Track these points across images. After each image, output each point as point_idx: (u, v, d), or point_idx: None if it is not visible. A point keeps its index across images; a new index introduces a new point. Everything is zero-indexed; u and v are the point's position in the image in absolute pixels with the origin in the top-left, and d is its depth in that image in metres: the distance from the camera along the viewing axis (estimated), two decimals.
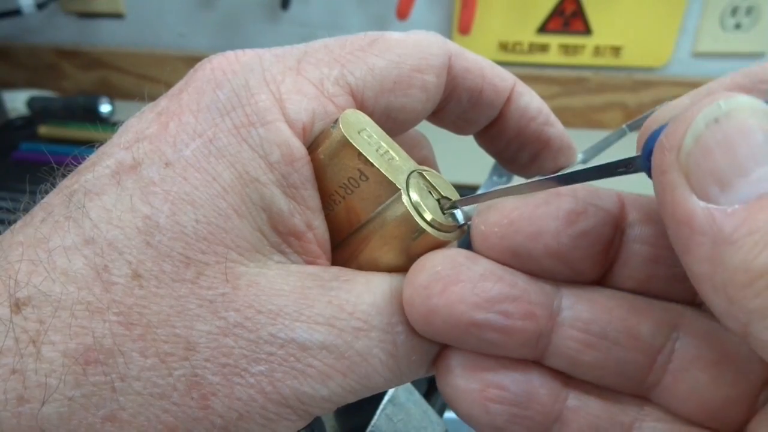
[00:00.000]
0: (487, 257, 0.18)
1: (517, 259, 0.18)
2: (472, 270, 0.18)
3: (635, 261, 0.18)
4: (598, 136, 0.28)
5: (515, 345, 0.18)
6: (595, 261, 0.18)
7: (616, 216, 0.18)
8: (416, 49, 0.20)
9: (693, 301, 0.18)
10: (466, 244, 0.19)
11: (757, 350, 0.13)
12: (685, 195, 0.14)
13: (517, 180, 0.22)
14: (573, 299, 0.18)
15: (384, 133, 0.19)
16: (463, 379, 0.18)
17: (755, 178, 0.13)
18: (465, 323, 0.17)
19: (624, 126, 0.28)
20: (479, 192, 0.19)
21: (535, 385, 0.18)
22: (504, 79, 0.23)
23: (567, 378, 0.19)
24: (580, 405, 0.18)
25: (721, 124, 0.14)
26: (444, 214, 0.19)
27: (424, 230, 0.18)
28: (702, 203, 0.13)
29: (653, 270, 0.18)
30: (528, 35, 0.96)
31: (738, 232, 0.13)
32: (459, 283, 0.17)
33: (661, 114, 0.17)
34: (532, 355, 0.18)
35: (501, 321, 0.17)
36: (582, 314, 0.18)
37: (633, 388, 0.18)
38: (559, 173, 0.18)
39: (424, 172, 0.20)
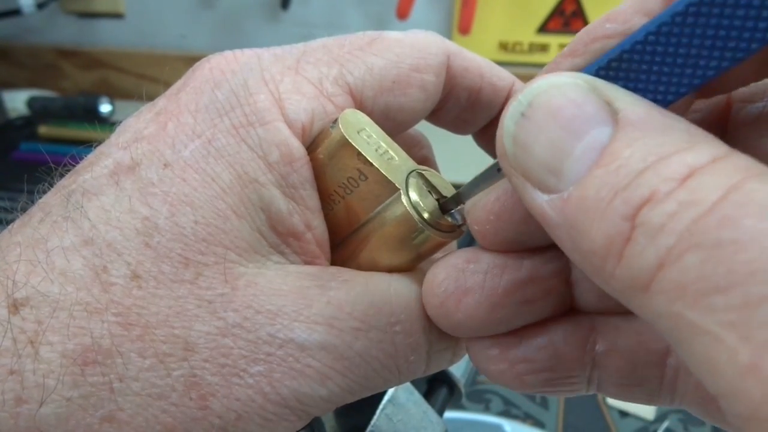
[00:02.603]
0: (492, 251, 0.18)
1: (520, 245, 0.18)
2: (476, 272, 0.18)
3: None
4: None
5: (543, 315, 0.18)
6: None
7: None
8: (415, 49, 0.20)
9: None
10: (467, 242, 0.19)
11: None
12: (530, 194, 0.14)
13: None
14: None
15: (383, 133, 0.19)
16: (493, 363, 0.18)
17: (579, 154, 0.13)
18: (491, 324, 0.18)
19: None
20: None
21: (559, 345, 0.18)
22: (503, 78, 0.23)
23: (593, 321, 0.18)
24: (609, 347, 0.18)
25: (528, 117, 0.13)
26: (443, 213, 0.19)
27: (423, 230, 0.18)
28: (545, 196, 0.13)
29: None
30: (528, 35, 0.96)
31: (576, 216, 0.12)
32: (469, 293, 0.17)
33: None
34: (563, 311, 0.18)
35: (522, 309, 0.18)
36: None
37: None
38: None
39: (423, 172, 0.20)
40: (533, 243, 0.18)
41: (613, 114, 0.13)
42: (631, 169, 0.12)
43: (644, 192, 0.11)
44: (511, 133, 0.14)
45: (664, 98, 0.14)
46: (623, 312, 0.18)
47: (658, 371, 0.18)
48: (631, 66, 0.14)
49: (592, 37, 0.15)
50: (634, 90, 0.14)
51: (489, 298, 0.17)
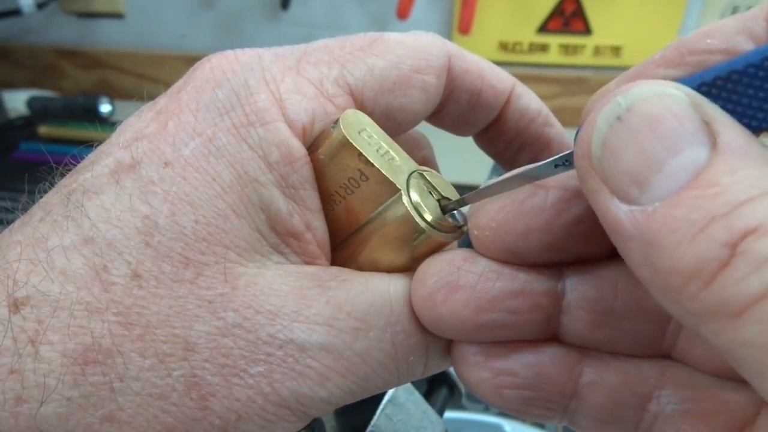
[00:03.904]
0: (487, 257, 0.18)
1: (515, 257, 0.18)
2: (470, 272, 0.18)
3: None
4: None
5: (525, 334, 0.18)
6: (599, 241, 0.18)
7: None
8: (416, 50, 0.20)
9: None
10: (467, 243, 0.19)
11: (716, 351, 0.12)
12: (607, 201, 0.13)
13: None
14: (577, 279, 0.18)
15: (384, 134, 0.19)
16: (475, 370, 0.18)
17: (671, 171, 0.12)
18: (472, 327, 0.17)
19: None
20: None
21: (546, 366, 0.18)
22: (503, 80, 0.23)
23: (582, 351, 0.18)
24: (596, 379, 0.18)
25: (624, 122, 0.13)
26: (444, 214, 0.19)
27: (424, 231, 0.18)
28: (624, 207, 0.13)
29: None
30: (528, 35, 0.96)
31: (661, 233, 0.12)
32: (459, 290, 0.17)
33: (591, 103, 0.16)
34: (545, 336, 0.18)
35: (508, 318, 0.17)
36: (588, 293, 0.18)
37: (650, 353, 0.18)
38: (516, 172, 0.17)
39: (424, 173, 0.20)
40: (527, 258, 0.18)
41: (711, 136, 0.12)
42: (733, 198, 0.11)
43: (750, 222, 0.11)
44: (602, 135, 0.13)
45: (759, 126, 0.14)
46: (610, 350, 0.18)
47: (636, 415, 0.18)
48: (736, 88, 0.14)
49: (690, 50, 0.15)
50: (732, 113, 0.14)
51: (477, 300, 0.17)
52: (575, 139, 0.15)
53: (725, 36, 0.14)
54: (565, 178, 0.17)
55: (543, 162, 0.16)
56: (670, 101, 0.13)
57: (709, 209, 0.12)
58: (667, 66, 0.15)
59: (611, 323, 0.18)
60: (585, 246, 0.18)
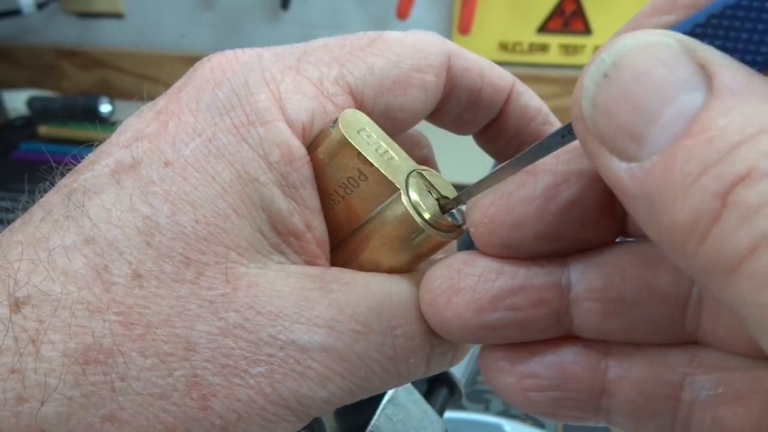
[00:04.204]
0: (488, 254, 0.18)
1: (513, 251, 0.18)
2: (470, 274, 0.18)
3: None
4: None
5: (536, 331, 0.18)
6: (600, 224, 0.17)
7: None
8: (415, 49, 0.20)
9: None
10: (467, 243, 0.19)
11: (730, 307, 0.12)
12: (607, 161, 0.13)
13: None
14: (581, 269, 0.17)
15: (383, 133, 0.19)
16: (501, 376, 0.18)
17: (666, 121, 0.12)
18: (475, 327, 0.17)
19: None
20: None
21: (569, 365, 0.18)
22: (503, 78, 0.23)
23: (605, 346, 0.18)
24: (622, 373, 0.17)
25: (611, 79, 0.12)
26: (443, 213, 0.19)
27: (423, 230, 0.18)
28: (624, 164, 0.12)
29: None
30: (528, 35, 0.96)
31: (660, 188, 0.11)
32: (460, 292, 0.17)
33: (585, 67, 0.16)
34: (560, 333, 0.18)
35: (511, 316, 0.17)
36: (594, 283, 0.17)
37: (675, 340, 0.17)
38: (514, 158, 0.17)
39: (423, 172, 0.20)
40: (528, 250, 0.17)
41: (708, 78, 0.12)
42: (726, 141, 0.11)
43: (740, 168, 0.10)
44: (591, 95, 0.13)
45: (765, 61, 0.13)
46: (630, 341, 0.17)
47: (671, 405, 0.17)
48: (733, 24, 0.13)
49: None
50: (732, 52, 0.13)
51: (478, 301, 0.17)
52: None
53: None
54: (554, 164, 0.17)
55: (549, 135, 0.16)
56: (658, 50, 0.12)
57: (703, 157, 0.11)
58: (659, 14, 0.14)
59: (624, 312, 0.17)
60: (583, 231, 0.17)
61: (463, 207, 0.20)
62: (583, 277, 0.17)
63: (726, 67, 0.12)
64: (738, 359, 0.16)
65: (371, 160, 0.18)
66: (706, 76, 0.12)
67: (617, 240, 0.18)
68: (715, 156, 0.11)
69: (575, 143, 0.15)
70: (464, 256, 0.18)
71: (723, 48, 0.13)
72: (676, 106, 0.12)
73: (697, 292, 0.16)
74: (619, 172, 0.12)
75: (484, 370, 0.19)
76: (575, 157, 0.17)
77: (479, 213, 0.18)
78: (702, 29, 0.13)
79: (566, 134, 0.15)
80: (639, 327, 0.17)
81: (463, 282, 0.17)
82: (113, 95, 0.95)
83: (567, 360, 0.18)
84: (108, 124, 0.88)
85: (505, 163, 0.17)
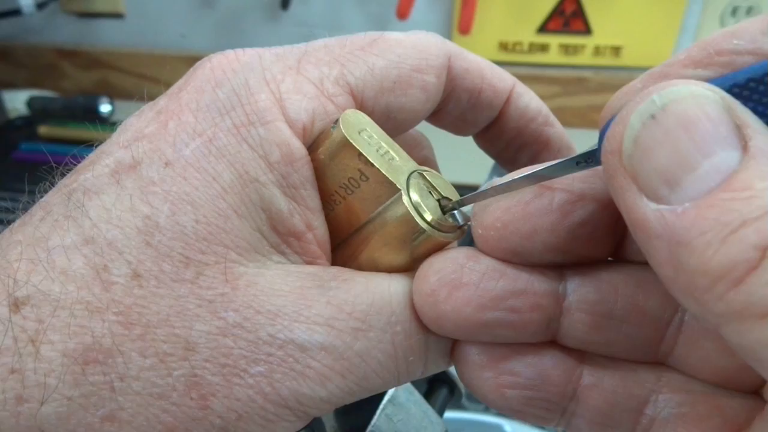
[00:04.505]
0: (491, 256, 0.18)
1: (519, 257, 0.18)
2: (474, 270, 0.18)
3: None
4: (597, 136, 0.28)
5: (526, 334, 0.18)
6: (601, 243, 0.18)
7: None
8: (416, 49, 0.20)
9: None
10: (467, 242, 0.19)
11: (734, 350, 0.13)
12: (635, 199, 0.13)
13: None
14: (578, 281, 0.18)
15: (384, 134, 0.19)
16: (477, 370, 0.19)
17: (703, 172, 0.12)
18: (473, 324, 0.17)
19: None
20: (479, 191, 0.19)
21: (548, 367, 0.18)
22: (503, 79, 0.23)
23: (582, 355, 0.19)
24: (595, 382, 0.18)
25: (658, 121, 0.13)
26: (444, 214, 0.19)
27: (424, 231, 0.18)
28: (653, 205, 0.13)
29: None
30: (528, 35, 0.96)
31: (690, 233, 0.12)
32: (462, 287, 0.17)
33: (614, 101, 0.16)
34: (545, 338, 0.18)
35: (508, 317, 0.18)
36: (588, 296, 0.18)
37: (647, 359, 0.18)
38: (524, 173, 0.17)
39: (424, 173, 0.20)
40: (532, 258, 0.18)
41: (742, 140, 0.13)
42: (766, 202, 0.12)
43: None
44: (635, 132, 0.13)
45: None
46: (608, 354, 0.18)
47: (633, 418, 0.18)
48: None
49: (717, 50, 0.15)
50: (762, 116, 0.13)
51: (480, 298, 0.17)
52: (600, 137, 0.15)
53: (751, 36, 0.14)
54: (571, 180, 0.17)
55: (563, 159, 0.16)
56: (705, 103, 0.13)
57: (742, 212, 0.12)
58: (695, 66, 0.15)
59: (611, 327, 0.18)
60: (587, 248, 0.18)
61: (465, 208, 0.20)
62: (578, 289, 0.18)
63: (759, 132, 0.13)
64: (702, 384, 0.17)
65: (372, 161, 0.18)
66: (741, 137, 0.13)
67: (608, 259, 0.19)
68: (755, 213, 0.12)
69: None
70: (468, 251, 0.18)
71: (754, 111, 0.13)
72: (715, 160, 0.12)
73: (678, 318, 0.17)
74: (646, 211, 0.13)
75: (458, 361, 0.19)
76: (590, 177, 0.17)
77: (491, 217, 0.18)
78: (739, 90, 0.14)
79: (581, 162, 0.16)
80: (620, 342, 0.18)
81: (467, 277, 0.18)
82: (113, 95, 0.95)
83: (546, 363, 0.18)
84: (108, 124, 0.88)
85: (515, 175, 0.17)
